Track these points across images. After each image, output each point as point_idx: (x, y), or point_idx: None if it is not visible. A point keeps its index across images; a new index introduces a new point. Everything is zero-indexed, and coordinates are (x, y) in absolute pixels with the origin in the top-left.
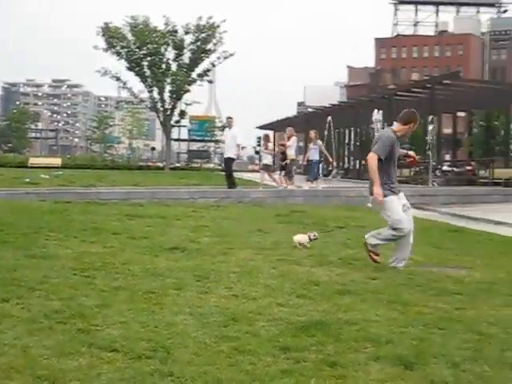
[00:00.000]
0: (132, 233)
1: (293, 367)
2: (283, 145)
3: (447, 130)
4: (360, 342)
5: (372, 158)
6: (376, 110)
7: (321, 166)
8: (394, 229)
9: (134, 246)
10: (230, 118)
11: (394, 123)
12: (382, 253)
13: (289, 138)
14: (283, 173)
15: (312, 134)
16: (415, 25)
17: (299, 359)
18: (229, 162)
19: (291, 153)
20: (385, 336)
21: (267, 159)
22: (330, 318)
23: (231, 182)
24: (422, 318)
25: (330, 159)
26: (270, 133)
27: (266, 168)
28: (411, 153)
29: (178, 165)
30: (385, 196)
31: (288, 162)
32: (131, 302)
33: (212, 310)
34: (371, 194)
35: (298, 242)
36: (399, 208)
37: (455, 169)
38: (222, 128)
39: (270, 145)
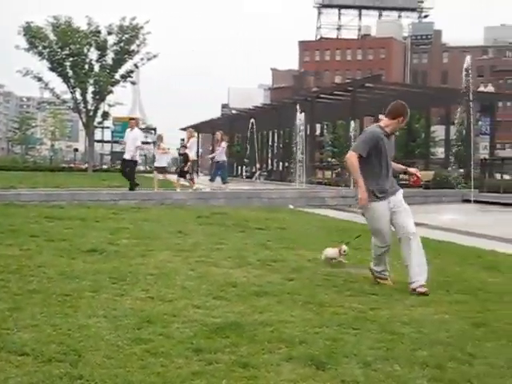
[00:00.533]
0: (50, 235)
1: (205, 369)
2: (185, 146)
3: None
4: (274, 342)
5: (350, 156)
6: (299, 113)
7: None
8: (375, 236)
9: (52, 248)
10: (133, 119)
11: (382, 117)
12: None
13: (188, 140)
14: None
15: (218, 135)
16: (338, 28)
17: (212, 361)
18: (128, 163)
19: (191, 154)
20: (299, 337)
21: (162, 161)
22: (245, 320)
23: (133, 184)
24: (336, 319)
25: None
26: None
27: (161, 170)
28: (412, 170)
29: (104, 166)
30: (369, 201)
31: (189, 163)
32: (45, 305)
33: (127, 312)
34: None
35: (331, 258)
36: (383, 218)
37: None
38: (146, 130)
39: (163, 145)
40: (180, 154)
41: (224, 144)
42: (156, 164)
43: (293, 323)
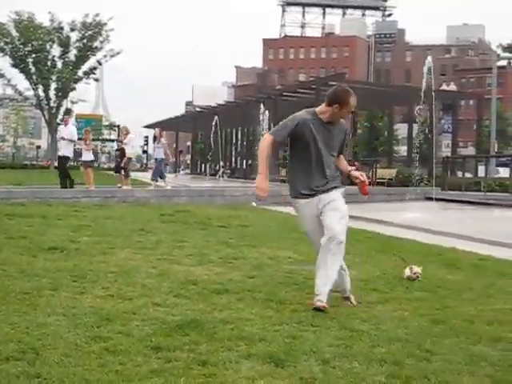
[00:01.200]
0: (10, 233)
1: (163, 367)
2: (121, 142)
3: None
4: (233, 340)
5: (263, 139)
6: (262, 110)
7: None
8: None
9: (12, 246)
10: (68, 113)
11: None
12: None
13: (125, 136)
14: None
15: (157, 131)
16: (302, 26)
17: (171, 358)
18: (64, 160)
19: (128, 151)
20: (258, 334)
21: (87, 155)
22: (205, 318)
23: (65, 182)
24: (296, 316)
25: (171, 158)
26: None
27: (87, 165)
28: (357, 173)
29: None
30: (294, 198)
31: (126, 160)
32: (3, 303)
33: (86, 310)
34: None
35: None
36: (307, 219)
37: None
38: (110, 127)
39: (90, 138)
40: (117, 150)
41: (164, 140)
42: (83, 158)
43: (253, 321)
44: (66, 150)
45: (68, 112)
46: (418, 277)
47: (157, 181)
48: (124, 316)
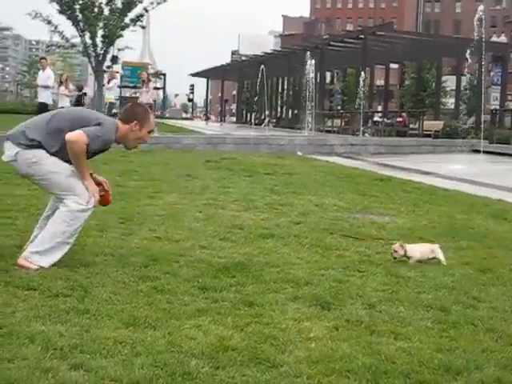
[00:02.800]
0: None
1: (210, 306)
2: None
3: (379, 82)
4: (279, 283)
5: (81, 140)
6: (309, 60)
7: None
8: None
9: None
10: (44, 58)
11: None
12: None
13: (109, 81)
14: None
15: (144, 75)
16: None
17: (217, 299)
18: (42, 106)
19: (111, 96)
20: (304, 278)
21: (64, 102)
22: (251, 260)
23: None
24: (342, 261)
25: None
26: (201, 80)
27: None
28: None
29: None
30: None
31: (107, 104)
32: None
33: (133, 251)
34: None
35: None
36: None
37: (386, 120)
38: (156, 75)
39: (72, 87)
40: (78, 95)
41: (152, 85)
42: (62, 104)
43: (299, 265)
44: (42, 96)
45: (43, 57)
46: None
47: None
48: (171, 257)
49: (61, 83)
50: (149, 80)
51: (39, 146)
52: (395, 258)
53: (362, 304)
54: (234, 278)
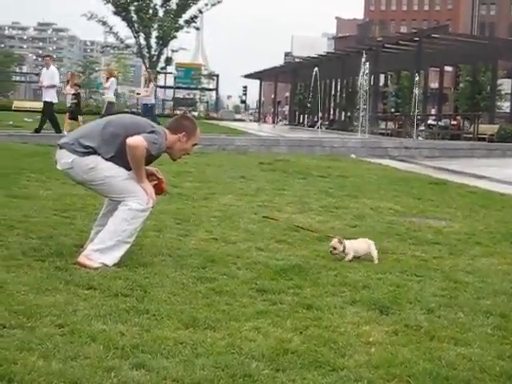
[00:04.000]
0: None
1: (269, 308)
2: (78, 85)
3: (434, 84)
4: (337, 286)
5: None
6: (363, 62)
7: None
8: None
9: None
10: (48, 56)
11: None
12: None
13: (107, 79)
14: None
15: (147, 74)
16: None
17: (276, 301)
18: (47, 106)
19: (109, 95)
20: (362, 281)
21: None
22: (308, 263)
23: (56, 126)
24: (399, 266)
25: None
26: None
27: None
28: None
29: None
30: None
31: (106, 105)
32: None
33: (191, 251)
34: None
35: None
36: None
37: (440, 123)
38: (209, 76)
39: (68, 87)
40: (73, 94)
41: (152, 85)
42: (68, 104)
43: (356, 268)
44: (49, 94)
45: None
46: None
47: None
48: (228, 259)
49: (67, 82)
50: (150, 80)
51: (94, 152)
52: (335, 255)
53: (420, 309)
54: (291, 280)
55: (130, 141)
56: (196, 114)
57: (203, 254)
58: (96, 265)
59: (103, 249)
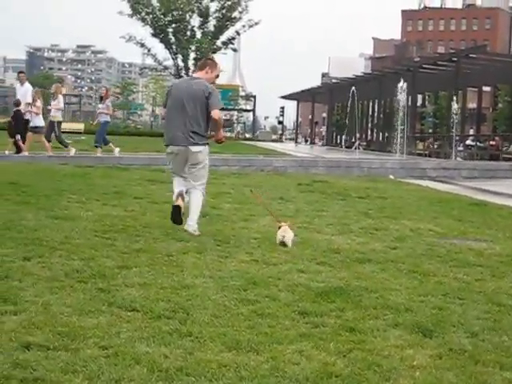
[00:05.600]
0: (153, 197)
1: (311, 331)
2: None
3: (472, 105)
4: (379, 309)
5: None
6: (401, 83)
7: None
8: None
9: (155, 210)
10: (22, 72)
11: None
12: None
13: (55, 95)
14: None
15: (103, 90)
16: None
17: (318, 324)
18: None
19: (57, 114)
20: (404, 304)
21: (37, 120)
22: (349, 285)
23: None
24: (441, 288)
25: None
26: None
27: (36, 131)
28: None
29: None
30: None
31: (55, 124)
32: (151, 264)
33: (232, 273)
34: None
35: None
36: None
37: (479, 143)
38: (247, 97)
39: (39, 104)
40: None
41: (108, 102)
42: (31, 124)
43: (397, 291)
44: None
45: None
46: (284, 243)
47: (101, 147)
48: (269, 281)
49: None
50: (107, 96)
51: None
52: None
53: (464, 332)
54: (333, 302)
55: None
56: (233, 135)
57: (244, 276)
58: (197, 233)
59: (195, 223)
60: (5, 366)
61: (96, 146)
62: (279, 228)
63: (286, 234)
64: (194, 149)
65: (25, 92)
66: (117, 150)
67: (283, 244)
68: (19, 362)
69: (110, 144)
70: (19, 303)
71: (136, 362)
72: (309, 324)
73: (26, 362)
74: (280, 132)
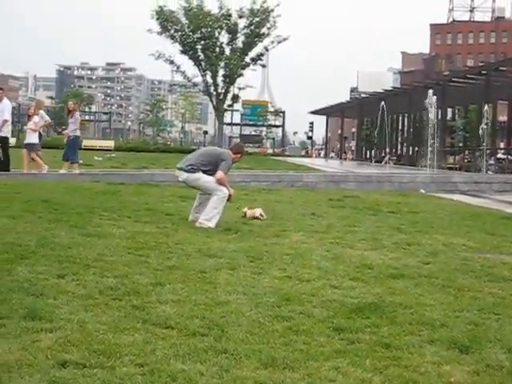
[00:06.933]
0: (185, 214)
1: (347, 348)
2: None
3: (502, 118)
4: (414, 325)
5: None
6: (430, 96)
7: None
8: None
9: (187, 226)
10: (0, 89)
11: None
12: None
13: (35, 111)
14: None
15: (70, 104)
16: (471, 10)
17: (353, 340)
18: (2, 141)
19: (35, 134)
20: (439, 320)
21: (32, 138)
22: (383, 301)
23: (5, 164)
24: (476, 303)
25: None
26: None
27: (30, 147)
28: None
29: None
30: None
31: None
32: (185, 281)
33: (265, 290)
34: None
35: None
36: None
37: (510, 156)
38: (276, 113)
39: (37, 118)
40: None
41: (78, 115)
42: (25, 141)
43: (432, 306)
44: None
45: None
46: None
47: (77, 162)
48: (303, 297)
49: (28, 117)
50: (74, 110)
51: (198, 170)
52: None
53: (501, 348)
54: (368, 319)
55: (219, 175)
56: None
57: (278, 293)
58: (206, 226)
59: (208, 218)
60: None
61: (72, 163)
62: (244, 214)
63: (255, 211)
64: None
65: (2, 109)
66: (77, 171)
67: (257, 218)
68: (56, 380)
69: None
70: (55, 321)
71: (172, 379)
72: (344, 340)
73: (63, 379)
74: (308, 147)
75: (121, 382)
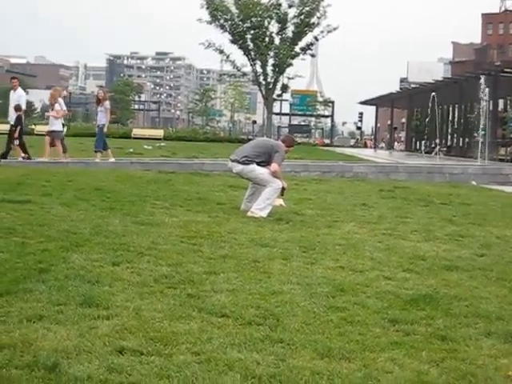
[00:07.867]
0: (236, 203)
1: (402, 339)
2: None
3: None
4: (470, 317)
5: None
6: (482, 87)
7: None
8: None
9: (239, 216)
10: (14, 78)
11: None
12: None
13: (54, 99)
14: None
15: (100, 93)
16: None
17: (409, 332)
18: (11, 127)
19: (57, 122)
20: (495, 312)
21: (55, 125)
22: (438, 293)
23: (6, 152)
24: None
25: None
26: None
27: (54, 135)
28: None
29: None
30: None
31: (48, 132)
32: (238, 270)
33: (319, 280)
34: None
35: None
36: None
37: None
38: (325, 103)
39: (57, 106)
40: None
41: (107, 104)
42: (52, 127)
43: (488, 299)
44: (12, 118)
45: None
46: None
47: (101, 152)
48: (357, 288)
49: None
50: (105, 99)
51: (252, 161)
52: None
53: None
54: (423, 310)
55: (273, 167)
56: (312, 140)
57: (331, 283)
58: (258, 216)
59: (260, 208)
60: (101, 371)
61: (96, 151)
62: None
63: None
64: None
65: (18, 98)
66: (112, 159)
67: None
68: (114, 367)
69: (109, 150)
70: (111, 308)
71: (229, 368)
72: (399, 332)
73: (121, 366)
74: (357, 137)
75: (178, 369)
